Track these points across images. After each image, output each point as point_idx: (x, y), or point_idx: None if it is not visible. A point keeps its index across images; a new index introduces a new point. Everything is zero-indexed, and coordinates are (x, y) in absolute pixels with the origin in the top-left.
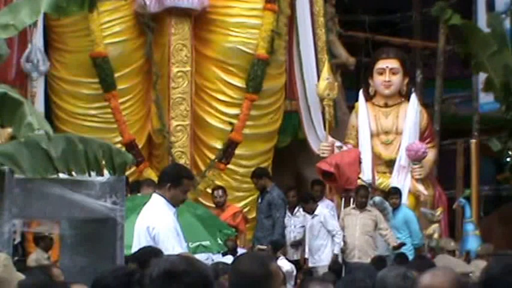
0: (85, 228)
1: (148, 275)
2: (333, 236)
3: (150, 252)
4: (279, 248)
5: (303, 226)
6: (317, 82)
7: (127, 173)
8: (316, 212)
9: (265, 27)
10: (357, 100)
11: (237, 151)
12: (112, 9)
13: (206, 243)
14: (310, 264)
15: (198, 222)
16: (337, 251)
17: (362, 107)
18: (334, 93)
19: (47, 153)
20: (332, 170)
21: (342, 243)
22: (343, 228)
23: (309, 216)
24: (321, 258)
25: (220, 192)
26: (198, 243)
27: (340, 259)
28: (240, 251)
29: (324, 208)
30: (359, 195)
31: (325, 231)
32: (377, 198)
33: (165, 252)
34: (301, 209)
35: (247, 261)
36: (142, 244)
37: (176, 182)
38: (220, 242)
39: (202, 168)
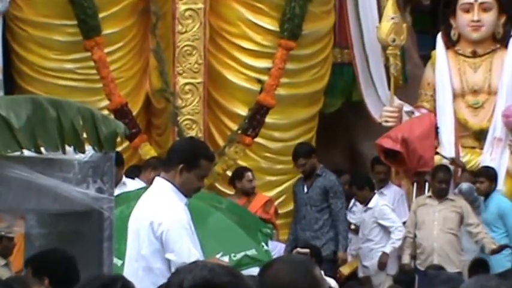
0: (59, 224)
1: (175, 284)
2: (390, 233)
3: (56, 258)
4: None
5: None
6: (378, 23)
7: (118, 148)
8: (370, 204)
9: None
10: (433, 48)
11: (268, 119)
12: None
13: (252, 252)
14: (360, 274)
15: (235, 224)
16: (389, 249)
17: (441, 57)
18: (402, 38)
19: (5, 122)
20: (398, 148)
21: (400, 241)
22: (415, 225)
23: (360, 207)
24: (374, 265)
25: (249, 175)
26: (242, 254)
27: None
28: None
29: (382, 200)
30: (437, 180)
31: (379, 230)
32: (464, 185)
33: (177, 257)
34: (357, 202)
35: (286, 267)
36: (142, 246)
37: (191, 163)
38: (265, 247)
39: (221, 143)
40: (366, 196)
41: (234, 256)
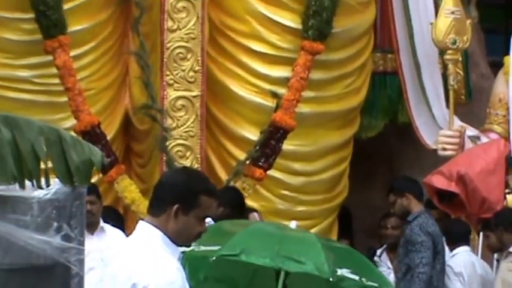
0: (12, 283)
1: None
2: None
3: None
4: None
5: None
6: (433, 19)
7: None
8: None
9: None
10: (507, 52)
11: (287, 145)
12: None
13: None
14: None
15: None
16: None
17: None
18: (465, 38)
19: None
20: (453, 188)
21: None
22: None
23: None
24: None
25: (256, 216)
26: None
27: None
28: None
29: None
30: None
31: None
32: None
33: None
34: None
35: None
36: None
37: (188, 202)
38: None
39: (223, 176)
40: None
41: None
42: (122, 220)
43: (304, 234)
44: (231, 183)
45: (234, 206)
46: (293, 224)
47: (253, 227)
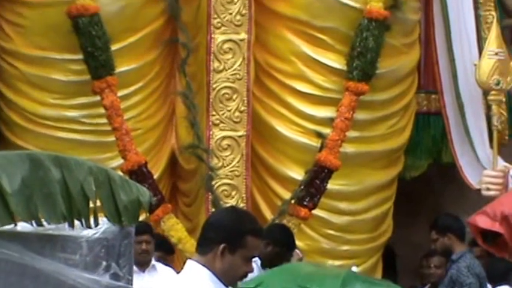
0: None
1: None
2: None
3: None
4: None
5: None
6: (477, 60)
7: None
8: None
9: None
10: None
11: (332, 185)
12: None
13: None
14: None
15: None
16: None
17: None
18: (509, 79)
19: None
20: (496, 228)
21: None
22: None
23: None
24: None
25: (298, 253)
26: None
27: None
28: None
29: None
30: None
31: None
32: None
33: None
34: None
35: None
36: None
37: (234, 241)
38: None
39: (268, 216)
40: None
41: None
42: (172, 250)
43: (338, 270)
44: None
45: (283, 244)
46: (354, 269)
47: (287, 265)
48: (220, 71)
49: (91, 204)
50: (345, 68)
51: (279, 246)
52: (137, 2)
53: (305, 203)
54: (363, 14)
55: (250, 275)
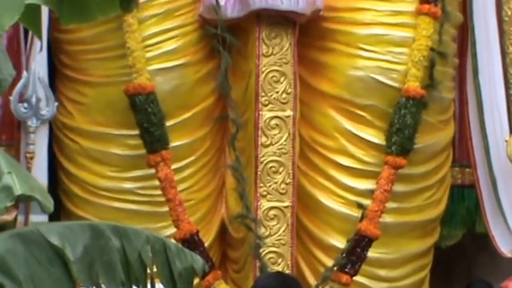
0: None
1: None
2: None
3: None
4: None
5: None
6: (508, 136)
7: None
8: None
9: (419, 43)
10: None
11: (372, 253)
12: (162, 14)
13: None
14: None
15: None
16: None
17: None
18: None
19: (57, 253)
20: None
21: None
22: None
23: None
24: None
25: None
26: None
27: None
28: None
29: None
30: None
31: None
32: None
33: None
34: None
35: None
36: None
37: None
38: None
39: (312, 281)
40: None
41: None
42: None
43: None
44: None
45: None
46: None
47: None
48: (268, 146)
49: (148, 270)
50: (384, 143)
51: None
52: (190, 81)
53: (347, 269)
54: (401, 93)
55: None
